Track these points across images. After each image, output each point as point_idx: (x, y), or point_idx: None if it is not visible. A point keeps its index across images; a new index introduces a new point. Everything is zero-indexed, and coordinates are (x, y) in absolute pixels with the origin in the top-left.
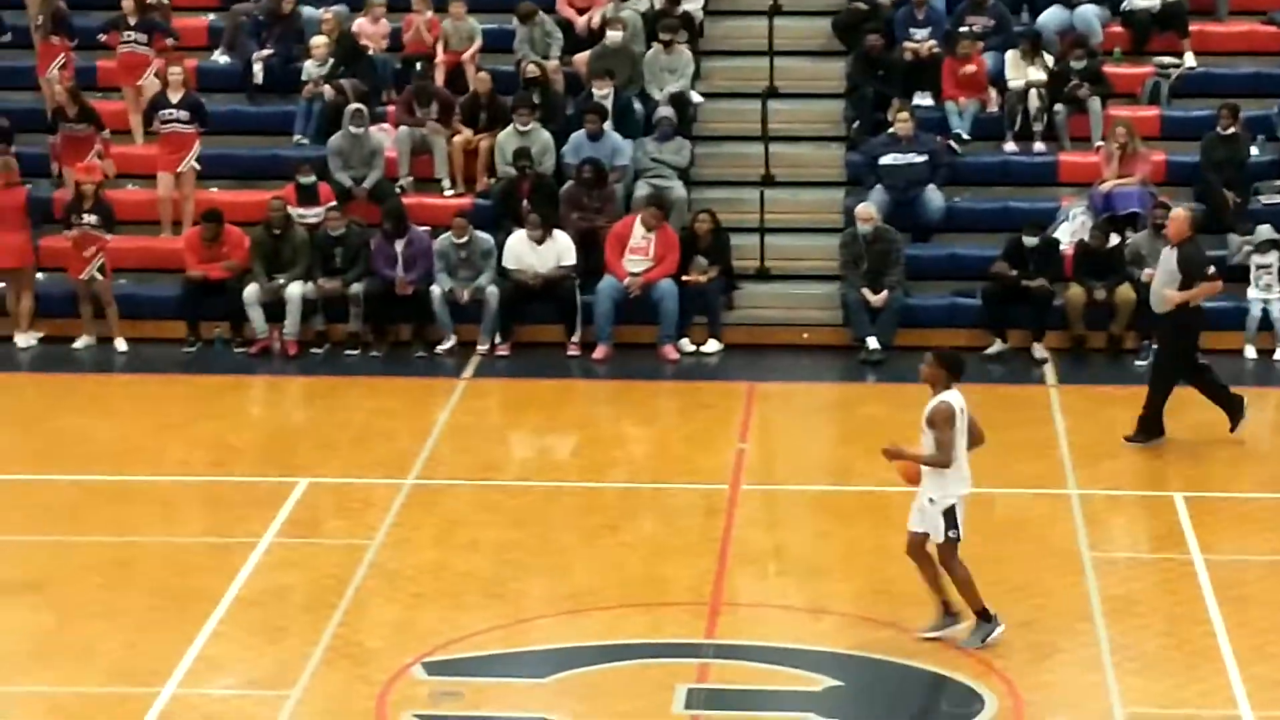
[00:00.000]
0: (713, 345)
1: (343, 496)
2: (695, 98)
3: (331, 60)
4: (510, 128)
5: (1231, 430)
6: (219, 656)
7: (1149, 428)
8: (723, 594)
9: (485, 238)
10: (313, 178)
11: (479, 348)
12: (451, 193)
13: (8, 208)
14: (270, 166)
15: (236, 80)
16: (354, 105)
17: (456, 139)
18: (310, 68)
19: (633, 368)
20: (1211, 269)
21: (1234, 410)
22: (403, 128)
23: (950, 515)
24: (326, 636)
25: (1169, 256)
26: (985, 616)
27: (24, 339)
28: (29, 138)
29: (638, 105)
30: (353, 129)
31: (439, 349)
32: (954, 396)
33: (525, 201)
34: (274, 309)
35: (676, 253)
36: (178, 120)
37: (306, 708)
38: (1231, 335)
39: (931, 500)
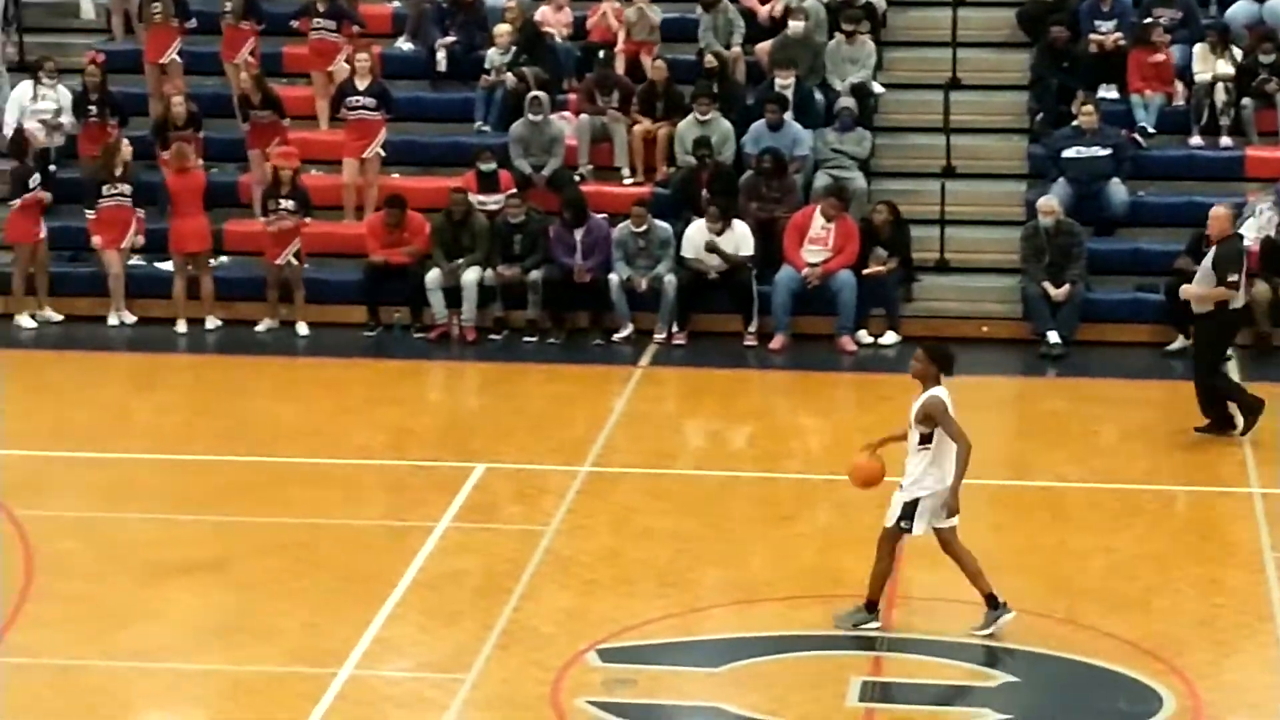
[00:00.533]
0: (891, 337)
1: (519, 482)
2: (877, 88)
3: (514, 48)
4: (690, 117)
5: (1241, 433)
6: (395, 639)
7: (1220, 422)
8: (897, 587)
9: (664, 226)
10: (493, 165)
11: (656, 336)
12: (631, 181)
13: (186, 192)
14: (451, 153)
15: (420, 67)
16: (535, 93)
17: (637, 128)
18: (493, 55)
19: (809, 358)
20: (1234, 277)
21: (1251, 412)
22: (583, 116)
23: (910, 507)
24: (501, 621)
25: (1208, 255)
26: (871, 608)
27: (192, 323)
28: (216, 123)
29: (819, 95)
30: (533, 117)
31: (616, 337)
32: (943, 392)
33: (704, 191)
34: (453, 295)
35: (856, 243)
36: (364, 107)
37: (480, 692)
38: None
39: (901, 486)
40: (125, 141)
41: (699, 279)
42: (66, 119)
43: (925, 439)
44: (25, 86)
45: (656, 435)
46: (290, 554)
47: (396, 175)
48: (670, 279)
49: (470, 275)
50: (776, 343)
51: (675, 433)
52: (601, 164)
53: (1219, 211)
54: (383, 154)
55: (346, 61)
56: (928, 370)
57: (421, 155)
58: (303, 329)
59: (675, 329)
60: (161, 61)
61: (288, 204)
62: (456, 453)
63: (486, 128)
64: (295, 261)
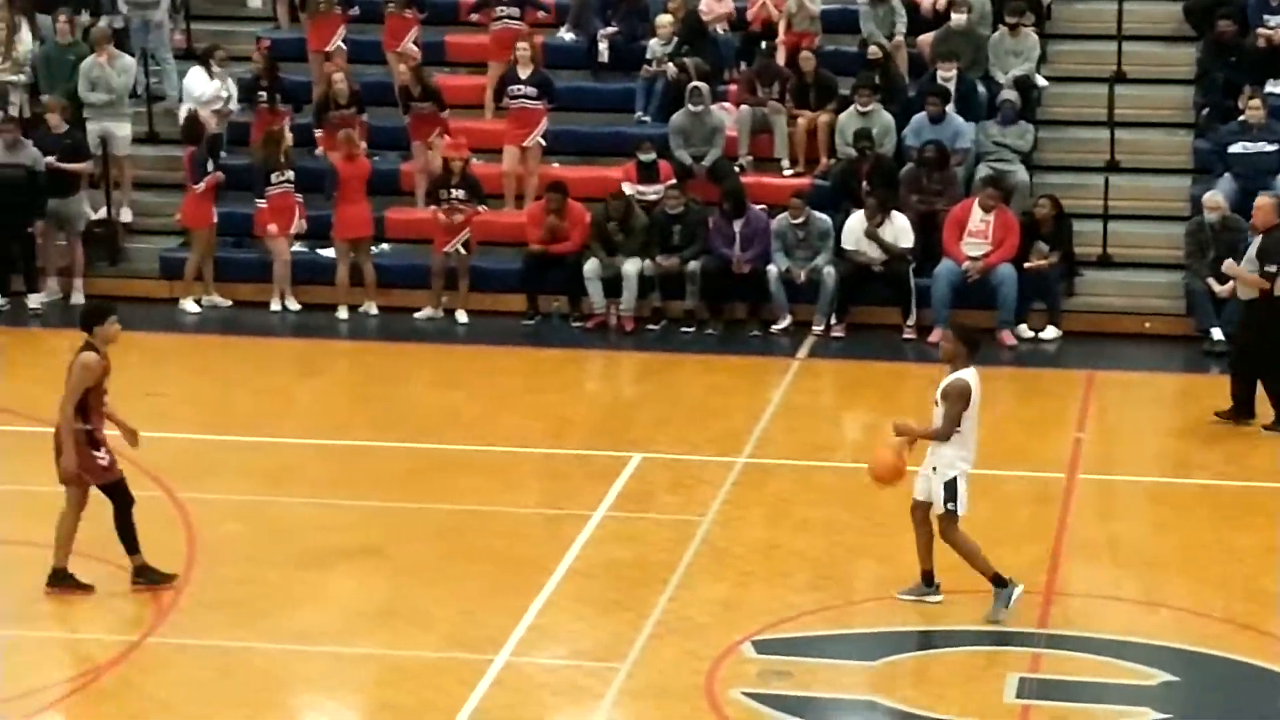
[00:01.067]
0: (1051, 332)
1: (676, 472)
2: (1040, 81)
3: (675, 38)
4: (851, 108)
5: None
6: (551, 627)
7: (1240, 410)
8: (1056, 583)
9: (823, 218)
10: (653, 155)
11: (814, 328)
12: (790, 172)
13: (353, 179)
14: (612, 143)
15: (581, 57)
16: (696, 83)
17: (800, 120)
18: (654, 46)
19: None
20: (1272, 267)
21: None
22: (744, 107)
23: (950, 488)
24: (657, 611)
25: (1254, 244)
26: (999, 583)
27: (361, 308)
28: (378, 111)
29: (981, 88)
30: (694, 107)
31: (774, 328)
32: (971, 375)
33: (864, 183)
34: (612, 284)
35: (1016, 237)
36: (526, 96)
37: (635, 681)
38: None
39: (934, 469)
40: (287, 129)
41: (858, 271)
42: (234, 106)
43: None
44: (197, 73)
45: (813, 427)
46: (447, 541)
47: (557, 165)
48: (829, 271)
49: (629, 265)
50: (936, 335)
51: (832, 425)
52: (761, 155)
53: (1264, 201)
54: (543, 143)
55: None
56: (958, 350)
57: (582, 145)
58: (462, 317)
59: (833, 321)
60: (325, 49)
61: (459, 194)
62: (613, 442)
63: (647, 118)
64: (463, 251)
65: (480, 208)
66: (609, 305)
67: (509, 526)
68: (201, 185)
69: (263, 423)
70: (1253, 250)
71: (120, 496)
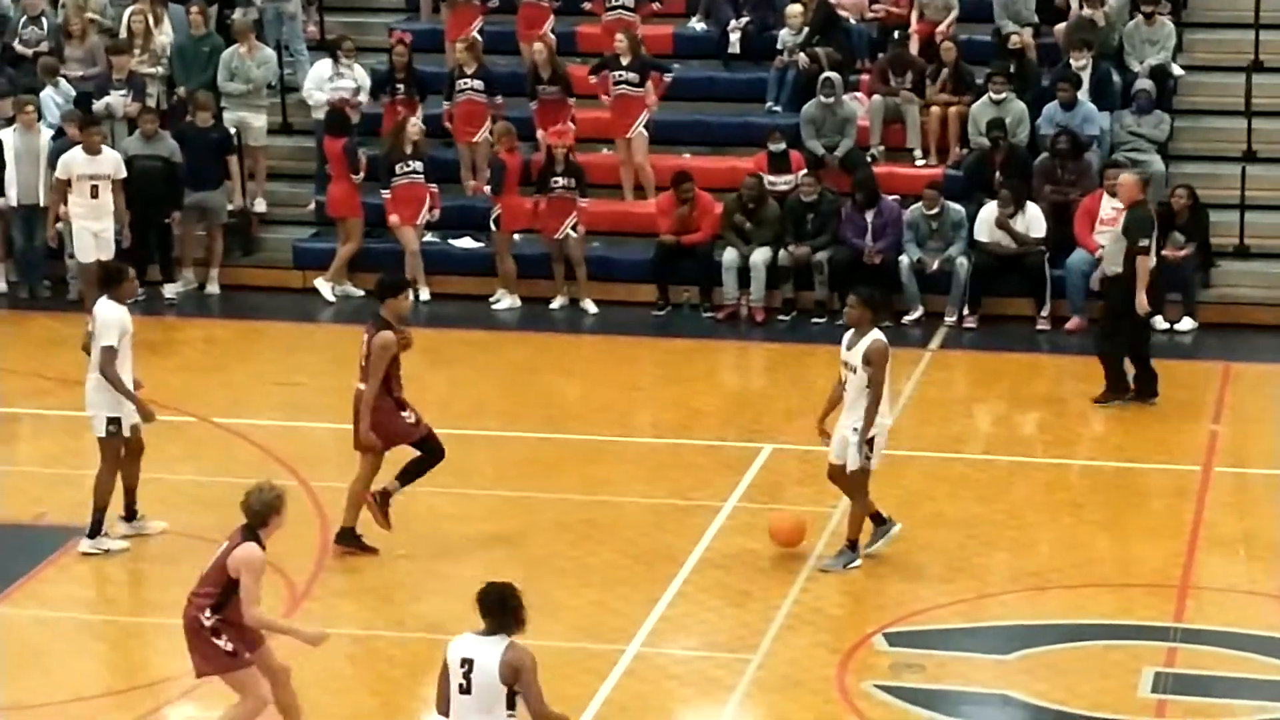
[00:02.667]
0: (1187, 323)
1: (806, 463)
2: (1176, 70)
3: (807, 28)
4: (984, 98)
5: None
6: (683, 618)
7: (1115, 386)
8: (1191, 577)
9: (956, 209)
10: (783, 145)
11: (946, 319)
12: (923, 163)
13: (512, 173)
14: (742, 133)
15: (712, 47)
16: (828, 74)
17: (932, 109)
18: (785, 36)
19: None
20: (1144, 241)
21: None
22: (876, 96)
23: (871, 443)
24: (788, 603)
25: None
26: (853, 547)
27: (505, 301)
28: (510, 101)
29: (1116, 77)
30: (825, 98)
31: (906, 319)
32: (883, 336)
33: (997, 173)
34: (743, 275)
35: None
36: (627, 82)
37: (767, 672)
38: None
39: (855, 429)
40: (413, 120)
41: (991, 262)
42: (363, 98)
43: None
44: (324, 65)
45: (946, 419)
46: (578, 530)
47: (687, 155)
48: (962, 261)
49: (759, 256)
50: (1073, 324)
51: (965, 417)
52: (894, 145)
53: (1128, 179)
54: (645, 134)
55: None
56: (863, 315)
57: (713, 135)
58: (590, 307)
59: (966, 312)
60: (461, 39)
61: (563, 181)
62: (744, 433)
63: (778, 108)
64: (574, 234)
65: (582, 199)
66: (740, 296)
67: (640, 517)
68: (361, 175)
69: None
70: (1118, 227)
71: (430, 446)
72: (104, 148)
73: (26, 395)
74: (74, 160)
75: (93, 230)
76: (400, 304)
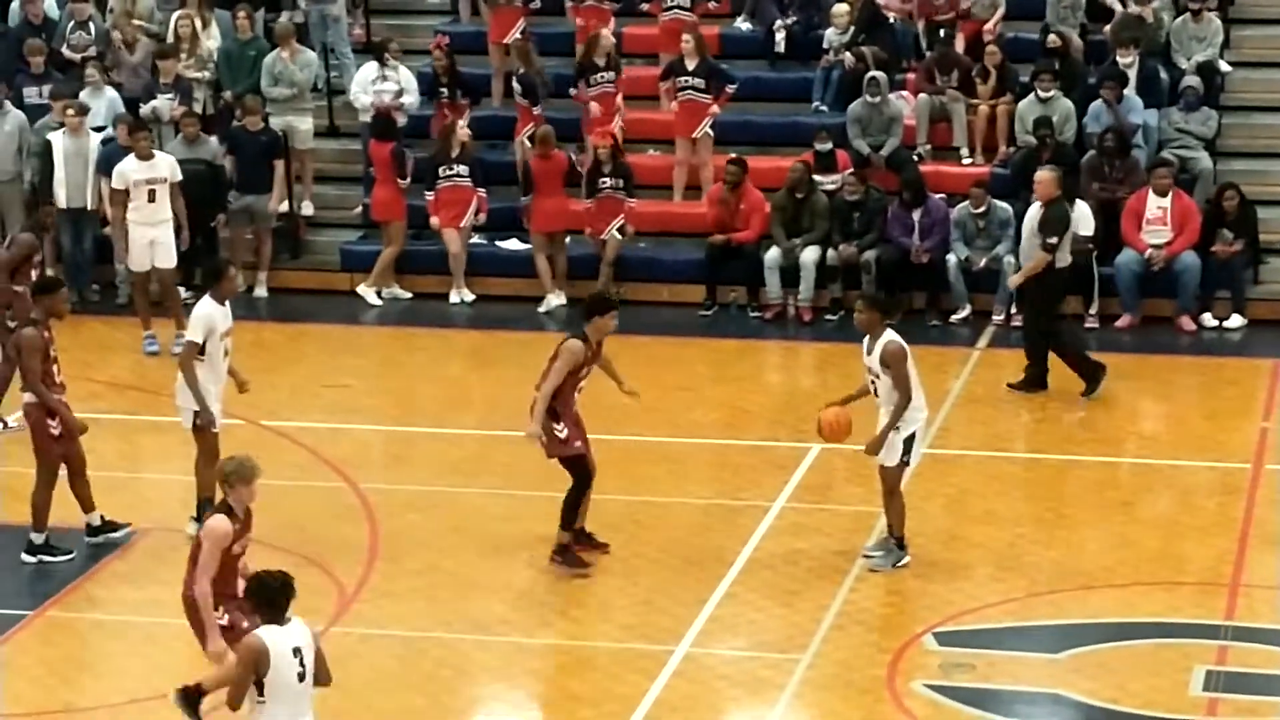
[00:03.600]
0: (1236, 320)
1: (855, 463)
2: (1223, 67)
3: (852, 27)
4: (1031, 96)
5: (1084, 395)
6: (731, 618)
7: (1033, 380)
8: (1242, 575)
9: (1004, 207)
10: (830, 145)
11: (994, 317)
12: (970, 161)
13: (549, 175)
14: (789, 133)
15: (758, 47)
16: (874, 73)
17: (979, 108)
18: (831, 35)
19: (1152, 341)
20: (1054, 239)
21: (1092, 376)
22: (922, 95)
23: (909, 442)
24: (837, 602)
25: (1034, 215)
26: (901, 545)
27: (553, 299)
28: (552, 103)
29: (1163, 74)
30: (871, 98)
31: (953, 318)
32: (896, 335)
33: None
34: (790, 274)
35: (1197, 223)
36: (693, 88)
37: (817, 672)
38: None
39: (897, 429)
40: (461, 124)
41: None
42: (408, 99)
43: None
44: (370, 67)
45: (994, 417)
46: (627, 531)
47: (733, 155)
48: (1009, 260)
49: (809, 255)
50: (1124, 322)
51: (1013, 415)
52: (940, 144)
53: (1045, 175)
54: (711, 134)
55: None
56: (872, 318)
57: (759, 135)
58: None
59: (1014, 310)
60: (505, 42)
61: (612, 181)
62: (792, 433)
63: (824, 107)
64: (619, 236)
65: (630, 200)
66: (786, 295)
67: (688, 517)
68: (407, 180)
69: (444, 414)
70: (1035, 223)
71: (579, 472)
72: (156, 152)
73: (76, 400)
74: (128, 168)
75: (150, 236)
76: (605, 323)
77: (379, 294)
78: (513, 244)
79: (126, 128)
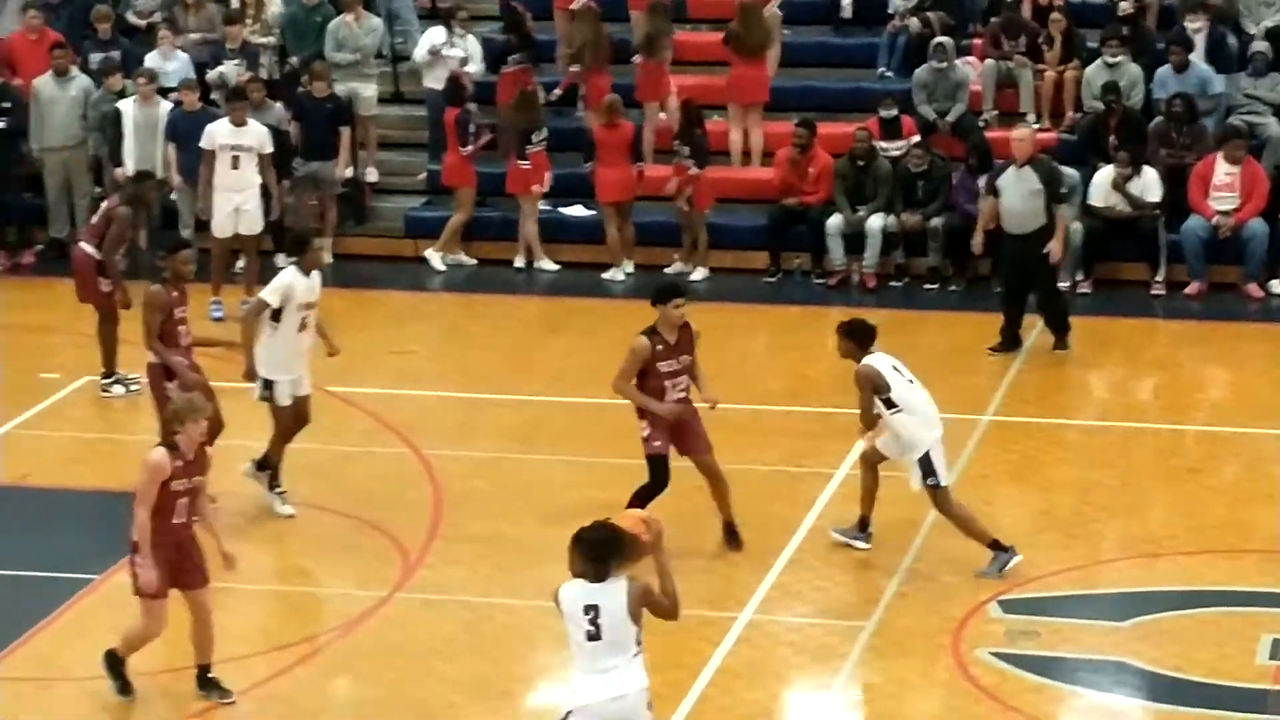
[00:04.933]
0: None
1: None
2: None
3: None
4: (1098, 61)
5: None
6: (796, 585)
7: (1008, 341)
8: None
9: (1070, 173)
10: (895, 111)
11: (1060, 284)
12: (1036, 127)
13: (614, 144)
14: (853, 99)
15: (823, 13)
16: (940, 38)
17: (1046, 73)
18: (898, 1)
19: (1219, 309)
20: (1065, 189)
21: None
22: (989, 60)
23: (925, 463)
24: (901, 570)
25: (1023, 177)
26: (998, 547)
27: (622, 270)
28: (616, 70)
29: (1232, 39)
30: (937, 63)
31: None
32: (875, 359)
33: (1112, 137)
34: (854, 241)
35: (1265, 189)
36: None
37: (881, 640)
38: None
39: (904, 455)
40: (539, 88)
41: (1105, 226)
42: (474, 67)
43: (888, 404)
44: (436, 32)
45: (1060, 385)
46: (691, 498)
47: (796, 120)
48: (1076, 226)
49: (873, 222)
50: (1193, 289)
51: (1079, 382)
52: (1006, 109)
53: (1023, 133)
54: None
55: None
56: (849, 348)
57: (824, 101)
58: (700, 273)
59: (1080, 277)
60: (571, 8)
61: (681, 149)
62: (854, 400)
63: (890, 73)
64: (686, 208)
65: (696, 168)
66: (851, 262)
67: (752, 484)
68: (471, 148)
69: (508, 380)
70: (1035, 183)
71: (655, 474)
72: (250, 120)
73: (133, 363)
74: (218, 131)
75: (234, 203)
76: (671, 313)
77: (443, 260)
78: (577, 210)
79: (193, 93)
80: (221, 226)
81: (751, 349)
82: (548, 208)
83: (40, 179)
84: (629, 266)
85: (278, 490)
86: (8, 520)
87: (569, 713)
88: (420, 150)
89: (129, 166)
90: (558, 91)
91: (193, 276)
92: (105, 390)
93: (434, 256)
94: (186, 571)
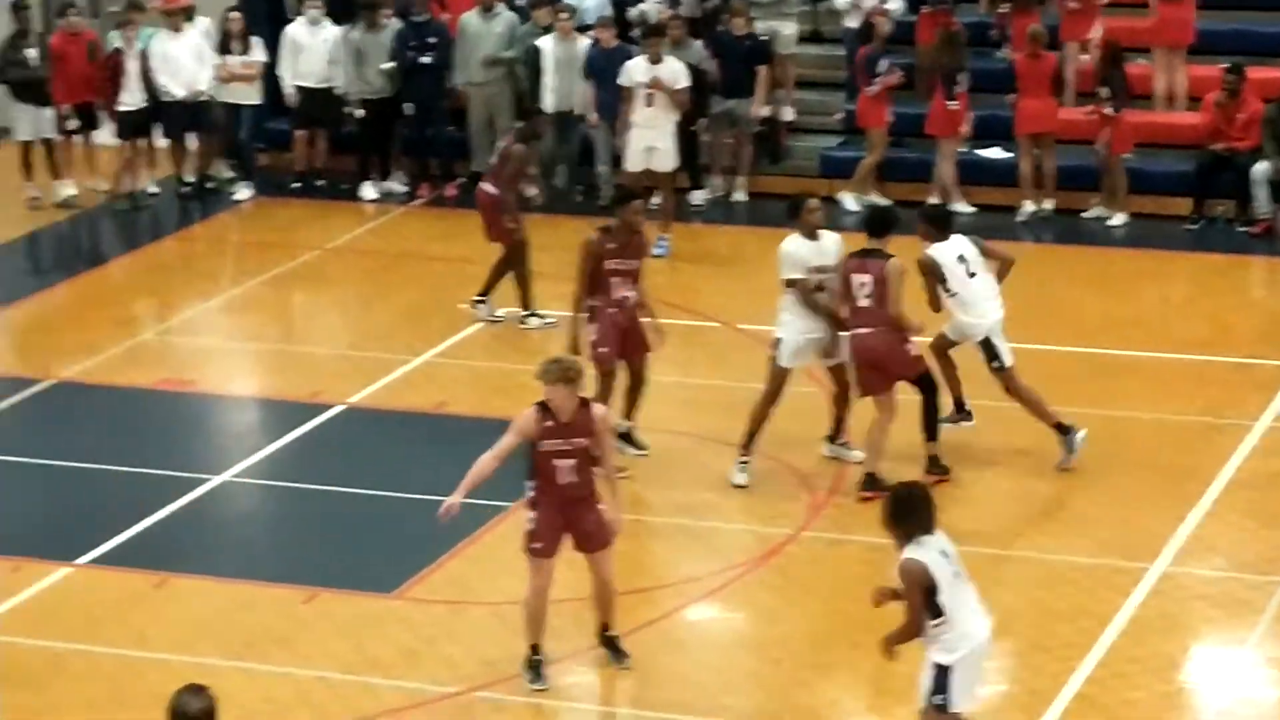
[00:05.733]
0: None
1: None
2: None
3: None
4: None
5: None
6: (1211, 537)
7: None
8: None
9: None
10: None
11: None
12: None
13: (1037, 75)
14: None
15: None
16: None
17: None
18: None
19: None
20: None
21: None
22: None
23: (987, 346)
24: None
25: None
26: (1063, 430)
27: (1032, 206)
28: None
29: None
30: None
31: None
32: (944, 246)
33: None
34: (1276, 188)
35: None
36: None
37: None
38: None
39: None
40: (962, 28)
41: None
42: (894, 4)
43: (947, 291)
44: None
45: None
46: (1106, 446)
47: (1224, 66)
48: None
49: None
50: None
51: None
52: None
53: None
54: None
55: None
56: (924, 231)
57: (1255, 44)
58: (1119, 219)
59: None
60: None
61: (1101, 91)
62: (1278, 351)
63: None
64: (1104, 149)
65: (1114, 110)
66: (1276, 211)
67: (1167, 434)
68: (875, 88)
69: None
70: None
71: (926, 386)
72: (666, 57)
73: (554, 299)
74: (635, 68)
75: (647, 140)
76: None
77: (856, 200)
78: (994, 152)
79: (610, 29)
80: (634, 162)
81: (1170, 296)
82: (964, 149)
83: (464, 113)
84: (1043, 205)
85: (839, 444)
86: (424, 446)
87: (949, 666)
88: (838, 90)
89: (548, 103)
90: (993, 32)
91: (641, 226)
92: (523, 322)
93: (847, 197)
94: (583, 535)
